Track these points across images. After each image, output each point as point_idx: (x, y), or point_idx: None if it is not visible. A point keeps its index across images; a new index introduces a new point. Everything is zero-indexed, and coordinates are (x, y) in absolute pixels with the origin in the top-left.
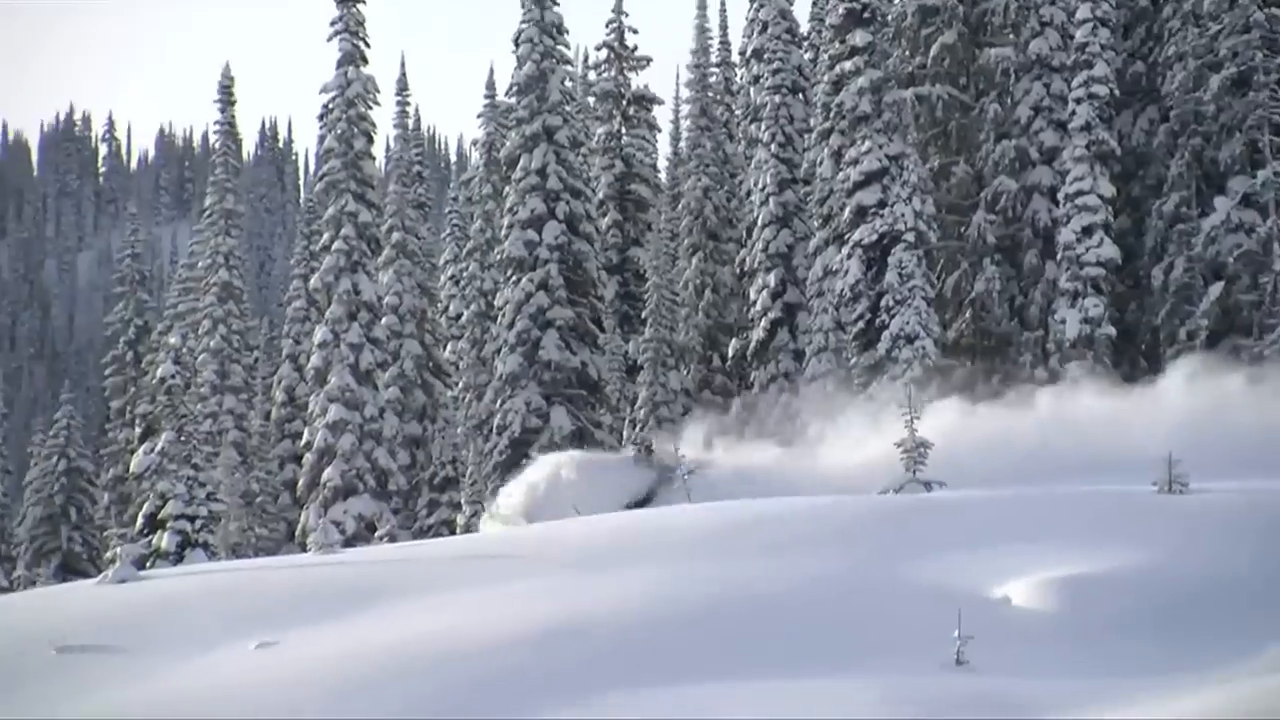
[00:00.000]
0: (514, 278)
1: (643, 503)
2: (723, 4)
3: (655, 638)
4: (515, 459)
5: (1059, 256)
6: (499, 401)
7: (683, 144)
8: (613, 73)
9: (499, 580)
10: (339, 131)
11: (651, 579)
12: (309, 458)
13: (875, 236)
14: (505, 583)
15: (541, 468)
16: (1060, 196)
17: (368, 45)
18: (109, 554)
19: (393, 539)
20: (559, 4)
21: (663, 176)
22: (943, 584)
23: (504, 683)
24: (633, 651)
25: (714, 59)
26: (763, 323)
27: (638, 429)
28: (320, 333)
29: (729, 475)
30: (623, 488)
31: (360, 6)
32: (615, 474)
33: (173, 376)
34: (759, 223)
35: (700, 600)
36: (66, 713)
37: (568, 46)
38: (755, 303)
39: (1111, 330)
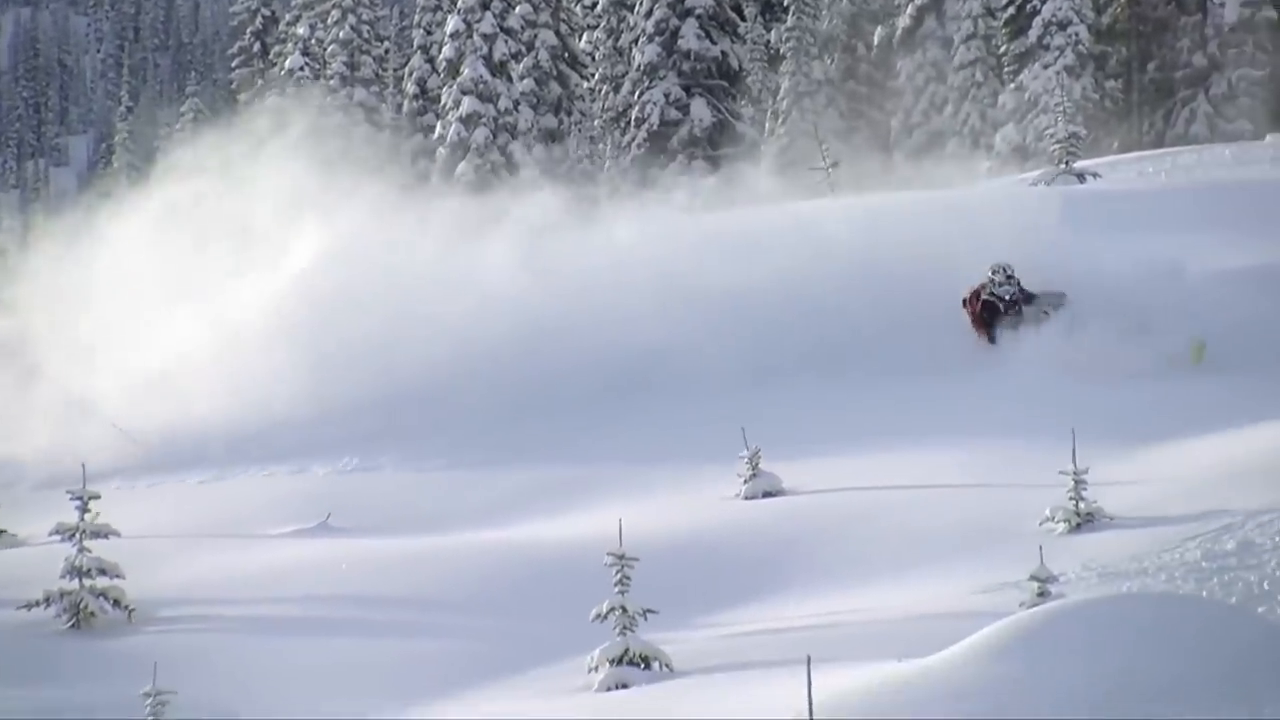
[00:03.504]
0: None
1: None
2: None
3: None
4: (654, 151)
5: None
6: (636, 93)
7: None
8: None
9: None
10: None
11: None
12: (441, 152)
13: None
14: None
15: None
16: None
17: None
18: None
19: None
20: None
21: None
22: (1109, 270)
23: None
24: None
25: None
26: (909, 9)
27: (780, 121)
28: (452, 22)
29: None
30: None
31: None
32: None
33: (301, 69)
34: None
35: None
36: None
37: None
38: None
39: (1274, 13)
